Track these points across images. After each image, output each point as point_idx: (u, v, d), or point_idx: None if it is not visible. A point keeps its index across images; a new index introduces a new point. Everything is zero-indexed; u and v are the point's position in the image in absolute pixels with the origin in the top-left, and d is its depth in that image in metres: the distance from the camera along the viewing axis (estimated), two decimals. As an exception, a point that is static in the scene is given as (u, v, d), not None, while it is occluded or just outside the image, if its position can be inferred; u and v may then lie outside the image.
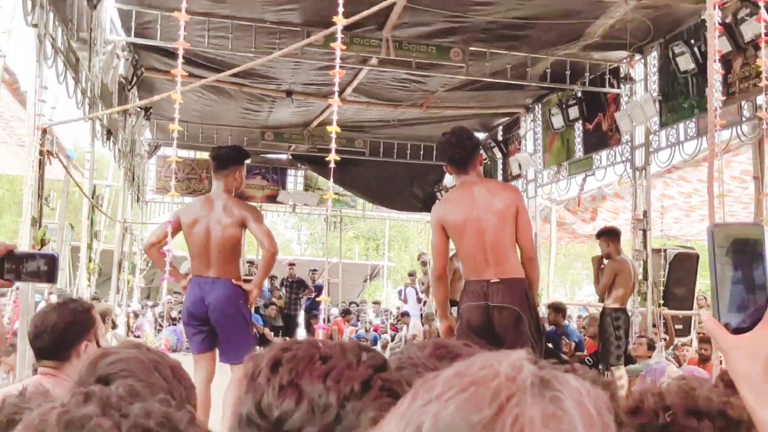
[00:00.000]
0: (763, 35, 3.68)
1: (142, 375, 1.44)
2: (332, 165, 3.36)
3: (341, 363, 0.86)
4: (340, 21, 3.20)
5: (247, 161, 5.65)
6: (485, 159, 12.98)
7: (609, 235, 7.77)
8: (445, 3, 7.32)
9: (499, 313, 4.01)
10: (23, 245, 5.04)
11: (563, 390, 0.54)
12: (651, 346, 7.87)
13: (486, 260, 4.09)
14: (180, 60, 3.48)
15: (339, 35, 3.16)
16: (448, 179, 14.57)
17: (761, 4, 3.81)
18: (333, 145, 3.27)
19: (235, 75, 6.94)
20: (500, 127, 12.67)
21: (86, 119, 7.10)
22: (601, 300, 8.10)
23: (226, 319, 4.90)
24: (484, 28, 8.02)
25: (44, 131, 5.45)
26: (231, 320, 4.92)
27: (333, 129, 3.32)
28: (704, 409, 1.50)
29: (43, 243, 5.38)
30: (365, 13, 3.79)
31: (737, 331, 1.02)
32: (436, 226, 4.26)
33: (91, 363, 1.47)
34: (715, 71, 3.02)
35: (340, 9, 3.12)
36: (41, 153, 5.36)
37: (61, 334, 2.43)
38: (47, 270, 2.04)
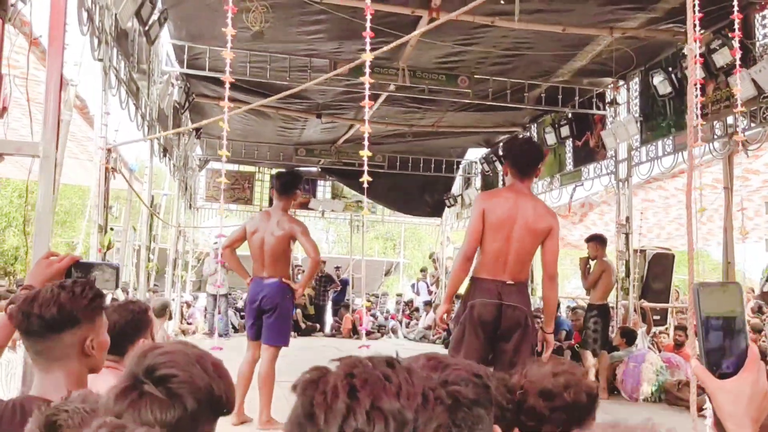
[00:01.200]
0: (737, 65, 3.57)
1: (185, 366, 1.38)
2: (365, 185, 3.29)
3: (400, 379, 0.80)
4: (367, 57, 3.11)
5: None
6: (487, 172, 12.90)
7: (598, 240, 7.66)
8: (451, 36, 7.25)
9: (512, 312, 3.85)
10: (92, 249, 5.03)
11: None
12: (623, 335, 7.80)
13: (505, 262, 3.91)
14: (227, 93, 3.42)
15: (367, 69, 3.06)
16: (456, 188, 14.46)
17: (735, 37, 3.71)
18: (365, 168, 3.20)
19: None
20: (501, 144, 12.54)
21: (145, 139, 7.08)
22: (588, 293, 8.00)
23: (273, 308, 5.18)
24: (485, 56, 7.94)
25: (109, 150, 5.43)
26: (277, 310, 5.19)
27: (365, 154, 3.26)
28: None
29: (109, 247, 5.36)
30: (387, 47, 3.71)
31: (722, 376, 1.03)
32: (479, 212, 3.95)
33: (142, 354, 1.41)
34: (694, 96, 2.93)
35: (368, 47, 3.03)
36: (106, 169, 5.34)
37: (122, 331, 2.39)
38: (110, 278, 1.98)
